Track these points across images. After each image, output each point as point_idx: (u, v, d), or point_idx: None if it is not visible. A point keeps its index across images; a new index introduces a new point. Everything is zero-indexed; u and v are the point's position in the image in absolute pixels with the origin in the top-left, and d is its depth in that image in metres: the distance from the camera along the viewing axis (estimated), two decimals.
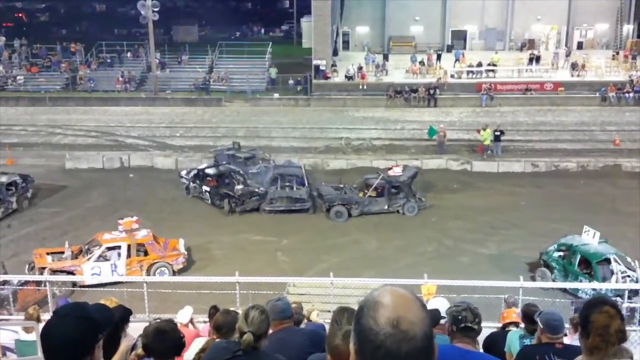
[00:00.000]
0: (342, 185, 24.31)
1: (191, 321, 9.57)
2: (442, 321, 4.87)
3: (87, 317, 2.62)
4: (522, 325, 7.50)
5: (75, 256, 18.43)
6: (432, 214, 23.72)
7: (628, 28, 50.35)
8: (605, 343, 3.20)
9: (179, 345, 4.27)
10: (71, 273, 17.68)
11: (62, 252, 18.53)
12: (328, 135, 33.98)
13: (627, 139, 32.34)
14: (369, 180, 24.19)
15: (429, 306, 5.68)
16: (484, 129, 30.08)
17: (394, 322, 1.75)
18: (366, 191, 23.72)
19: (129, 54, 49.47)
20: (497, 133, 29.89)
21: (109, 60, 48.13)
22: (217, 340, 5.11)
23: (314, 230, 22.59)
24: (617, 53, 46.47)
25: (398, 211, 23.63)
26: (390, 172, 24.11)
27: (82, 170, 29.00)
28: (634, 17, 50.17)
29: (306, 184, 24.97)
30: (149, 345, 4.20)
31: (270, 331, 4.99)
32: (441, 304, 5.48)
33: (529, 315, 6.75)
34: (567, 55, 45.89)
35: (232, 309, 6.75)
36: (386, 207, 23.55)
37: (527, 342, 6.33)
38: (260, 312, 4.09)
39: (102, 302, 5.47)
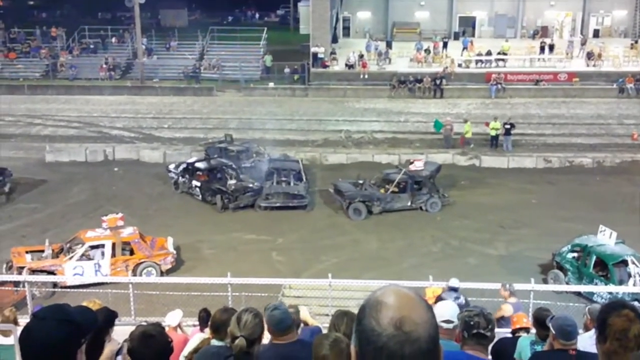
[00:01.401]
0: (361, 181, 24.33)
1: (179, 325, 9.56)
2: (450, 325, 4.84)
3: (69, 320, 2.60)
4: (533, 330, 7.50)
5: (56, 255, 18.39)
6: (437, 212, 23.74)
7: None
8: (624, 348, 3.19)
9: (166, 350, 4.25)
10: (52, 273, 17.63)
11: (42, 251, 18.46)
12: (327, 128, 33.97)
13: None
14: (389, 175, 24.27)
15: (439, 307, 5.64)
16: (465, 121, 30.59)
17: (397, 323, 1.77)
18: (387, 187, 23.76)
19: (113, 40, 49.36)
20: (508, 126, 29.95)
21: (92, 46, 48.00)
22: (207, 345, 5.08)
23: (311, 228, 22.59)
24: (636, 41, 46.43)
25: (421, 208, 23.72)
26: (412, 167, 24.18)
27: (63, 164, 28.95)
28: None
29: (304, 179, 25.01)
30: (134, 350, 4.19)
31: (271, 341, 4.93)
32: (450, 308, 5.45)
33: (540, 320, 6.76)
34: (583, 43, 45.85)
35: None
36: (409, 203, 23.63)
37: (538, 348, 6.35)
38: (254, 315, 4.06)
39: (84, 304, 5.47)
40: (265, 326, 4.44)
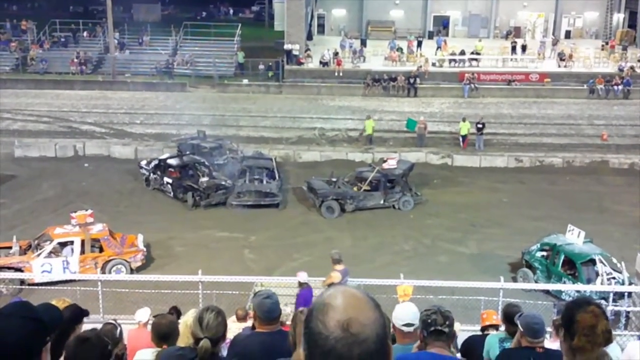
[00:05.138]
0: (334, 179, 24.36)
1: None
2: (410, 329, 4.84)
3: (33, 318, 2.58)
4: (502, 328, 7.58)
5: (23, 252, 18.14)
6: (409, 211, 23.89)
7: (618, 17, 51.17)
8: (592, 344, 3.25)
9: (103, 356, 4.13)
10: (19, 270, 17.38)
11: (10, 248, 18.21)
12: (301, 125, 33.94)
13: (615, 133, 32.93)
14: (362, 173, 24.37)
15: (398, 310, 5.34)
16: (368, 118, 30.80)
17: (344, 325, 1.78)
18: (360, 185, 23.83)
19: (85, 34, 48.75)
20: (480, 126, 30.21)
21: (63, 40, 47.35)
22: (169, 348, 4.98)
23: (284, 226, 22.58)
24: (607, 43, 47.18)
25: (394, 206, 23.80)
26: (385, 165, 24.27)
27: (32, 159, 28.57)
28: (624, 6, 51.01)
29: (277, 177, 24.98)
30: (69, 355, 4.06)
31: (253, 328, 4.86)
32: (410, 311, 5.15)
33: (509, 315, 6.83)
34: (554, 44, 46.48)
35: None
36: (382, 201, 23.72)
37: (507, 345, 6.41)
38: (216, 314, 4.00)
39: (53, 302, 5.39)
40: (251, 313, 4.42)
